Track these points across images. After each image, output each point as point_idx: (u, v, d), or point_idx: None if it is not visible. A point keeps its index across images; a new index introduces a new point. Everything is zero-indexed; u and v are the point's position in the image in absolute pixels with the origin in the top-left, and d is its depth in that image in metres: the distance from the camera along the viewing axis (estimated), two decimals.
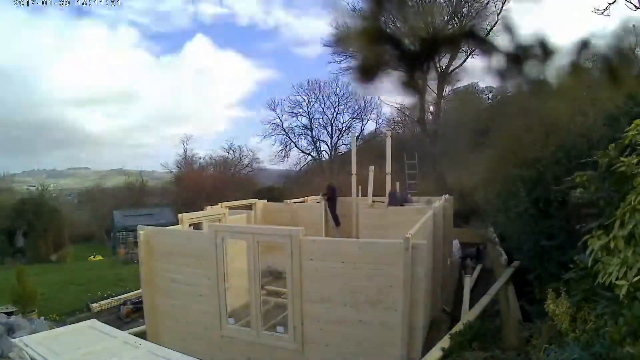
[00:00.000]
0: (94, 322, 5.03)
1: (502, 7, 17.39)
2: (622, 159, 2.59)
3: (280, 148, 27.78)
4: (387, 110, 26.09)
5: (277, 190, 19.12)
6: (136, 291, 8.93)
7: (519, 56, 0.52)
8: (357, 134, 18.07)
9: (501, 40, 0.57)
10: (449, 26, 16.53)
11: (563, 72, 0.56)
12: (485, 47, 0.54)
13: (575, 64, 0.55)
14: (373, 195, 10.23)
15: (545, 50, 0.52)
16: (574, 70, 0.54)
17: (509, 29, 0.53)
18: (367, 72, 0.61)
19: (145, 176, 24.94)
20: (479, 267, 9.68)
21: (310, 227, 7.95)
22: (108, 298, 8.97)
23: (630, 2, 6.58)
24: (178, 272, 5.96)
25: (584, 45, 0.55)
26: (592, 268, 2.68)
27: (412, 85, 0.56)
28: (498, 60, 0.54)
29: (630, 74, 0.66)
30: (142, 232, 6.19)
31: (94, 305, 8.56)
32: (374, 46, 0.56)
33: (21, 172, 46.59)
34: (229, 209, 9.14)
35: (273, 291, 7.67)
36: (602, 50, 0.59)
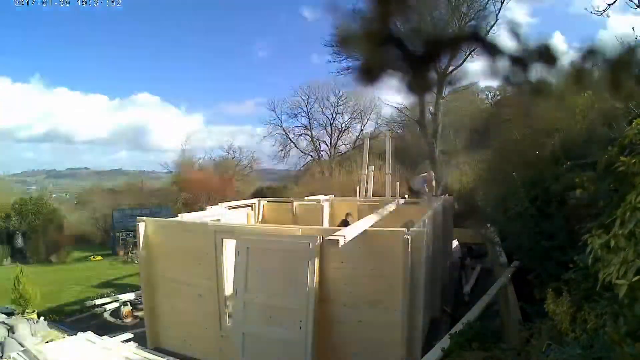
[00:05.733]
0: (89, 335, 5.00)
1: (501, 7, 17.38)
2: (622, 158, 2.59)
3: (280, 148, 27.76)
4: (387, 111, 25.92)
5: (277, 190, 19.12)
6: (136, 292, 8.92)
7: (524, 59, 0.52)
8: (368, 132, 18.04)
9: (502, 41, 0.57)
10: (449, 26, 16.54)
11: (565, 76, 0.56)
12: (489, 49, 0.54)
13: (577, 68, 0.54)
14: (373, 196, 10.23)
15: (550, 55, 0.52)
16: (576, 75, 0.54)
17: (514, 31, 0.53)
18: (370, 74, 0.61)
19: (145, 176, 24.90)
20: (478, 267, 9.68)
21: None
22: (108, 298, 8.95)
23: (632, 1, 6.57)
24: (178, 272, 5.95)
25: (590, 52, 0.55)
26: (593, 267, 2.68)
27: (418, 86, 0.56)
28: (502, 63, 0.54)
29: (631, 75, 0.65)
30: (142, 223, 6.17)
31: (94, 305, 8.54)
32: (377, 48, 0.55)
33: (20, 173, 46.58)
34: (229, 209, 9.15)
35: None
36: (605, 56, 0.59)
